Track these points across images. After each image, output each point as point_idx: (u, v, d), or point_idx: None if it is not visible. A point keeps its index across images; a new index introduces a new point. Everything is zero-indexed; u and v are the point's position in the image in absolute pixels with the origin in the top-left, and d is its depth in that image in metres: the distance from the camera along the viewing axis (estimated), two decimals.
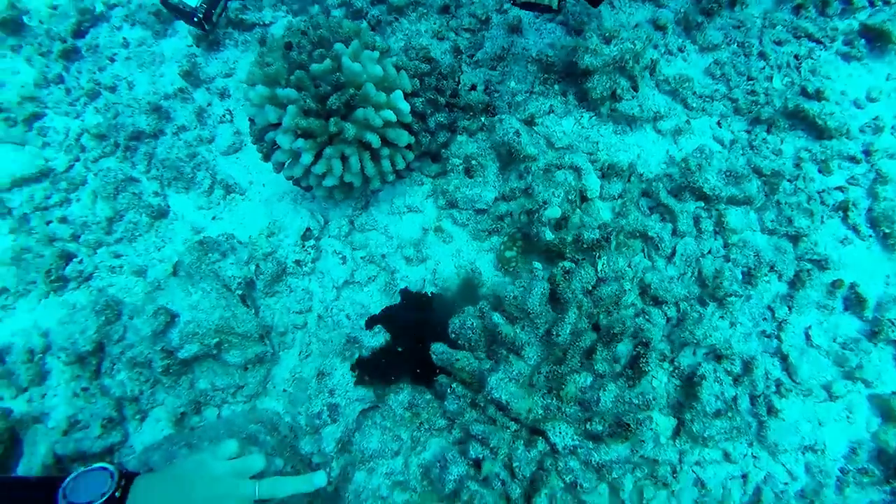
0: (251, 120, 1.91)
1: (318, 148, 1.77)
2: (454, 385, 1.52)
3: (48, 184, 2.45)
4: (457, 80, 2.16)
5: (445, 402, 1.51)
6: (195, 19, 2.32)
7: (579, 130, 2.14)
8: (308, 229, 2.10)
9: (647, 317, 1.72)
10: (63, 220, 2.36)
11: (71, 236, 2.30)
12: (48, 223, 2.37)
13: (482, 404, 1.47)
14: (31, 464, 1.82)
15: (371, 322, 1.87)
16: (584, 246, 1.67)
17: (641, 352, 1.47)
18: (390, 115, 1.77)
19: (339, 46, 1.72)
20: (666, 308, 1.74)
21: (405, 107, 1.80)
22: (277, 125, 1.79)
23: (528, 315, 1.49)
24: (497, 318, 1.49)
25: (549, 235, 1.69)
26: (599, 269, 1.63)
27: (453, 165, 2.04)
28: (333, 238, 2.13)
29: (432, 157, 2.13)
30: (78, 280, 2.22)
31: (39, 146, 2.55)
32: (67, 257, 2.26)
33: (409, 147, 1.94)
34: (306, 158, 1.75)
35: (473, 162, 2.01)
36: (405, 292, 1.95)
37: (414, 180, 2.14)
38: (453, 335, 1.58)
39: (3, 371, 1.99)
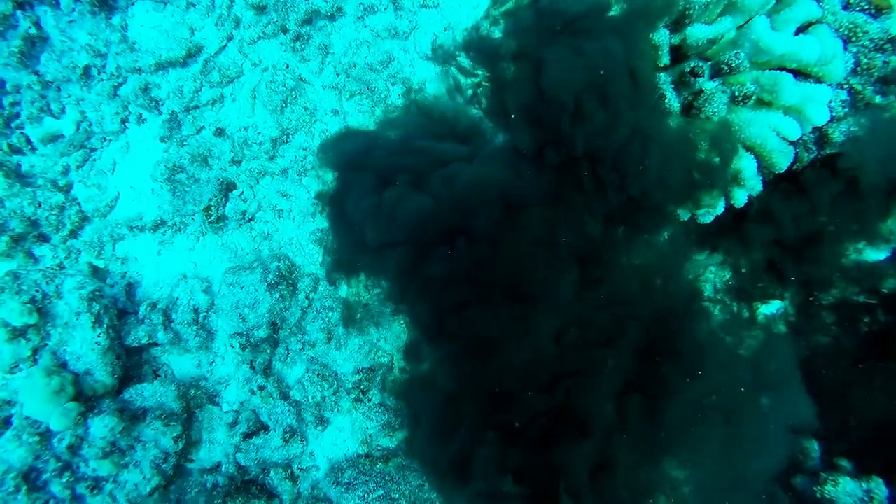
0: None
1: None
2: None
3: (198, 71, 1.84)
4: None
5: None
6: None
7: None
8: None
9: None
10: (220, 132, 1.81)
11: (231, 161, 1.77)
12: (199, 130, 1.84)
13: None
14: (211, 455, 1.61)
15: None
16: None
17: None
18: None
19: None
20: None
21: None
22: None
23: None
24: None
25: None
26: None
27: None
28: None
29: None
30: (239, 221, 1.76)
31: (183, 6, 1.89)
32: (227, 188, 1.78)
33: None
34: None
35: None
36: None
37: None
38: None
39: (173, 336, 1.69)
